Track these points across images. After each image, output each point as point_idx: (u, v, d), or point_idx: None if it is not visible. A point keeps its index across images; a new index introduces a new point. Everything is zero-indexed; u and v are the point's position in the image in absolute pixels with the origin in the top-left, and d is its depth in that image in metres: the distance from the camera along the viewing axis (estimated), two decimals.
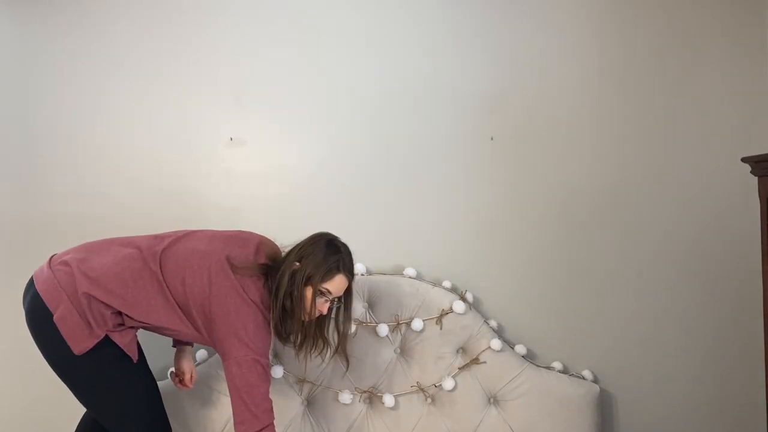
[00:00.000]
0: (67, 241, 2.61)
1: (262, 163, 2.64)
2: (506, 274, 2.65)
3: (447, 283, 2.60)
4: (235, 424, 2.05)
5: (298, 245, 2.17)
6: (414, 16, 2.65)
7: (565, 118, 2.65)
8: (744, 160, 2.28)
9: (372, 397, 2.54)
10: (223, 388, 2.49)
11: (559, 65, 2.65)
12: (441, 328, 2.55)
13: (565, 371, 2.62)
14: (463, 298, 2.57)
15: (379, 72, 2.64)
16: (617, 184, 2.65)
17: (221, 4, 2.63)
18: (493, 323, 2.62)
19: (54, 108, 2.63)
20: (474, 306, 2.60)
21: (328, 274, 2.13)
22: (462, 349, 2.57)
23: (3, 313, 2.63)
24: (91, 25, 2.63)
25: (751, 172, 2.26)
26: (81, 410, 2.61)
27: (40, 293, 2.05)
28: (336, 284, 2.14)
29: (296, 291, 2.11)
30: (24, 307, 2.13)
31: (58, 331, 2.02)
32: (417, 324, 2.53)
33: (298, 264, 2.13)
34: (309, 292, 2.12)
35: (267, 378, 2.08)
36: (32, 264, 2.61)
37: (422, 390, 2.54)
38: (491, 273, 2.65)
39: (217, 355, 2.53)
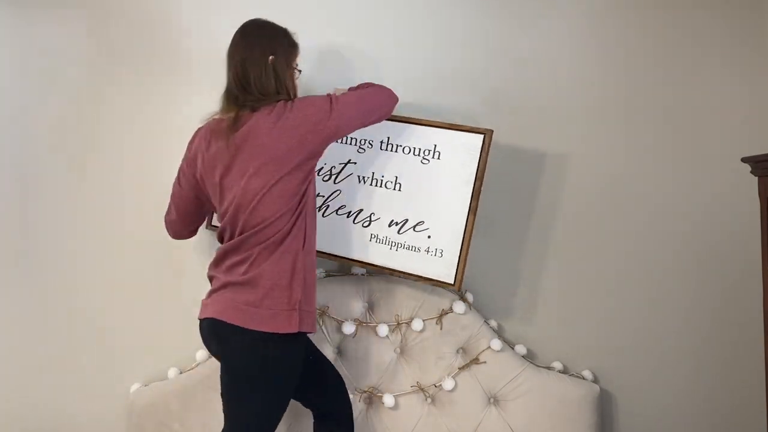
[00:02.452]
0: (67, 240, 2.62)
1: None
2: (506, 274, 2.65)
3: None
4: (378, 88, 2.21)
5: (245, 46, 2.08)
6: (413, 15, 2.65)
7: (565, 117, 2.65)
8: (744, 160, 2.28)
9: (372, 397, 2.54)
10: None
11: (559, 64, 2.65)
12: (441, 328, 2.55)
13: (565, 371, 2.62)
14: (463, 298, 2.57)
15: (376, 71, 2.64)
16: (617, 184, 2.65)
17: (223, 3, 2.64)
18: (493, 323, 2.62)
19: (54, 107, 2.63)
20: (474, 306, 2.60)
21: (295, 50, 2.16)
22: (462, 349, 2.57)
23: (3, 313, 2.63)
24: (91, 24, 2.63)
25: (751, 172, 2.26)
26: (81, 410, 2.61)
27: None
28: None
29: (288, 80, 2.11)
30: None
31: None
32: (417, 324, 2.53)
33: (272, 57, 2.07)
34: (291, 73, 2.14)
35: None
36: (32, 264, 2.62)
37: (422, 390, 2.54)
38: (491, 273, 2.65)
39: None
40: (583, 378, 2.60)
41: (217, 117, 2.11)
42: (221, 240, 2.14)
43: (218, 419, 2.47)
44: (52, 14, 2.62)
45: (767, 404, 2.28)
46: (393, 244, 2.39)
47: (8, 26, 2.62)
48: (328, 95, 2.13)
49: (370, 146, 2.42)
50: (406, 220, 2.39)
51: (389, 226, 2.40)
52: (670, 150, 2.65)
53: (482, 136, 2.34)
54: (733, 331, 2.65)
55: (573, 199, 2.65)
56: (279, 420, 2.10)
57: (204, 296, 2.15)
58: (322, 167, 2.46)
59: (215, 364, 2.51)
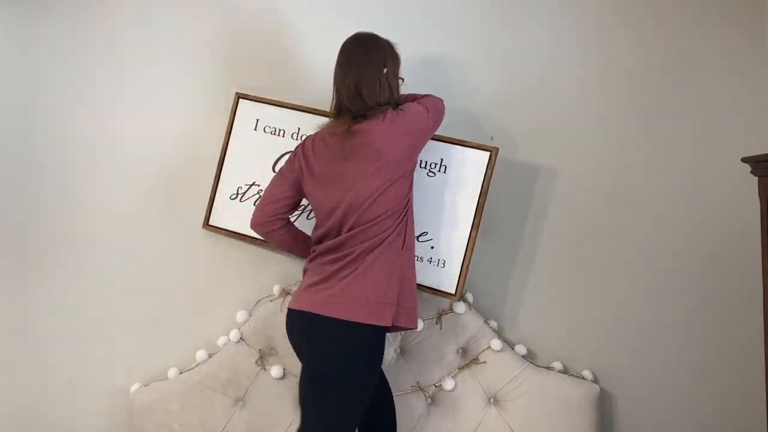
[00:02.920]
0: (67, 241, 2.62)
1: None
2: (506, 274, 2.65)
3: None
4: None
5: (361, 61, 2.18)
6: (413, 14, 2.65)
7: (565, 117, 2.65)
8: (744, 160, 2.28)
9: None
10: (221, 388, 2.50)
11: (559, 64, 2.65)
12: (441, 328, 2.55)
13: (565, 371, 2.62)
14: (463, 299, 2.57)
15: None
16: (617, 184, 2.65)
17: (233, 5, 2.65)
18: (493, 323, 2.62)
19: (54, 107, 2.63)
20: (474, 306, 2.60)
21: (399, 61, 2.27)
22: (462, 349, 2.57)
23: (3, 313, 2.63)
24: (92, 23, 2.63)
25: (751, 172, 2.25)
26: (81, 410, 2.62)
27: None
28: None
29: (396, 90, 2.23)
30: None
31: None
32: (418, 324, 2.53)
33: (386, 70, 2.20)
34: (398, 83, 2.26)
35: None
36: (32, 264, 2.62)
37: (422, 390, 2.54)
38: (491, 273, 2.65)
39: (215, 355, 2.54)
40: (583, 378, 2.60)
41: (329, 126, 2.21)
42: (321, 239, 2.19)
43: (218, 419, 2.48)
44: (52, 12, 2.62)
45: (767, 404, 2.28)
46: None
47: (8, 25, 2.62)
48: (417, 102, 2.24)
49: None
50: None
51: None
52: (670, 150, 2.65)
53: (489, 153, 2.40)
54: (733, 331, 2.65)
55: (573, 199, 2.65)
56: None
57: (296, 287, 2.23)
58: None
59: (215, 364, 2.51)
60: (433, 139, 2.36)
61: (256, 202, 2.52)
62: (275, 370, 2.50)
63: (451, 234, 2.41)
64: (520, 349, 2.60)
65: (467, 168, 2.42)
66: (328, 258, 2.14)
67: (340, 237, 2.14)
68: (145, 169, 2.64)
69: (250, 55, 2.65)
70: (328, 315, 2.06)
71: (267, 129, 2.59)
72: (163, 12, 2.66)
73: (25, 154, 2.63)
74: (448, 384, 2.52)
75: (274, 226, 2.29)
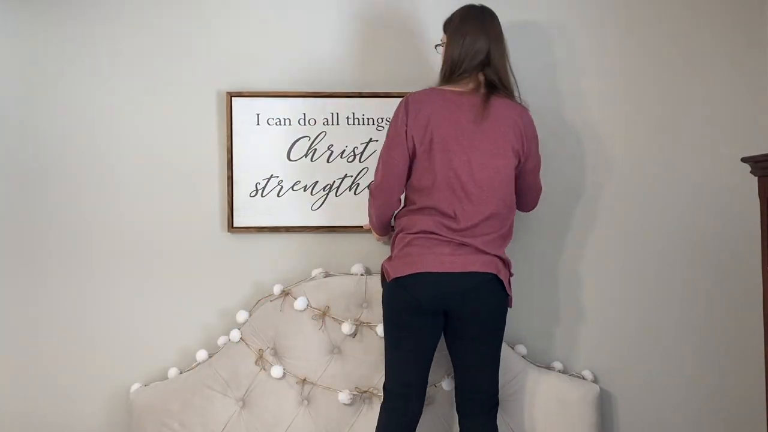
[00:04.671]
0: (67, 242, 2.62)
1: None
2: None
3: None
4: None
5: (496, 34, 2.28)
6: (413, 14, 2.65)
7: (565, 117, 2.65)
8: (744, 160, 2.28)
9: (372, 397, 2.54)
10: (221, 387, 2.50)
11: (559, 65, 2.65)
12: None
13: (565, 371, 2.62)
14: None
15: (374, 71, 2.64)
16: (617, 184, 2.65)
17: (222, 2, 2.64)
18: None
19: (54, 107, 2.63)
20: None
21: None
22: None
23: (3, 313, 2.62)
24: (92, 24, 2.63)
25: (751, 172, 2.26)
26: (81, 410, 2.61)
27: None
28: None
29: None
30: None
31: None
32: None
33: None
34: None
35: None
36: (32, 265, 2.62)
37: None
38: None
39: (215, 355, 2.54)
40: (583, 378, 2.60)
41: (454, 89, 2.25)
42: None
43: (218, 419, 2.47)
44: (54, 14, 2.62)
45: (767, 404, 2.28)
46: None
47: (9, 25, 2.62)
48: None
49: (388, 123, 2.50)
50: None
51: None
52: (670, 150, 2.65)
53: None
54: (733, 331, 2.65)
55: (572, 199, 2.65)
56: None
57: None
58: (344, 149, 2.61)
59: (215, 364, 2.51)
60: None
61: (279, 193, 2.59)
62: (275, 370, 2.50)
63: None
64: (520, 349, 2.60)
65: None
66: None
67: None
68: (147, 170, 2.63)
69: (234, 53, 2.65)
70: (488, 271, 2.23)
71: (271, 121, 2.60)
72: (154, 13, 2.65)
73: (26, 156, 2.62)
74: (448, 384, 2.52)
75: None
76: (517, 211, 2.35)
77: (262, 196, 2.61)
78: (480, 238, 2.21)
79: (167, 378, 2.57)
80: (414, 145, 2.22)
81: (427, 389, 2.51)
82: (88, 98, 2.62)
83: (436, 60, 2.62)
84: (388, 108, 2.53)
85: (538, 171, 2.39)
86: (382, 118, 2.60)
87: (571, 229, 2.66)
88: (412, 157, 2.24)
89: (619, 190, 2.65)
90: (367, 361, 2.53)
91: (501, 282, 2.24)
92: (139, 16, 2.63)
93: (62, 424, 2.62)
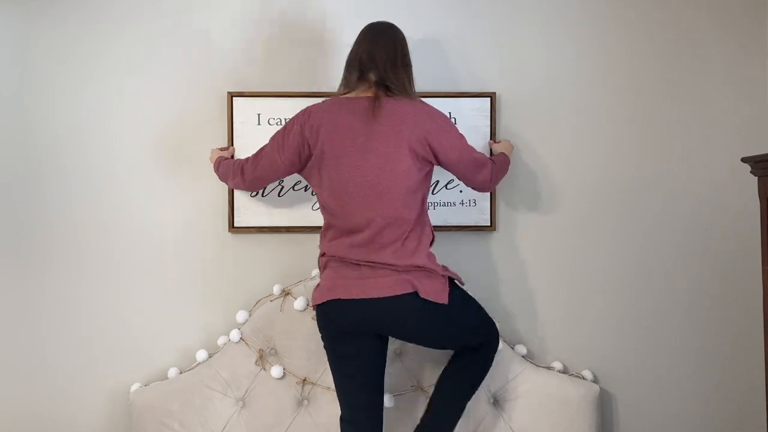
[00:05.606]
0: (68, 242, 2.62)
1: None
2: (506, 274, 2.66)
3: None
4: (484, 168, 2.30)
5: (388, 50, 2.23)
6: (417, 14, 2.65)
7: (565, 118, 2.65)
8: (744, 160, 2.28)
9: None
10: (221, 388, 2.49)
11: (560, 65, 2.65)
12: None
13: (565, 371, 2.62)
14: None
15: None
16: (617, 185, 2.65)
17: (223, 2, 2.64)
18: None
19: (53, 107, 2.63)
20: None
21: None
22: None
23: (3, 313, 2.62)
24: (92, 23, 2.63)
25: (751, 172, 2.26)
26: (81, 410, 2.62)
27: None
28: None
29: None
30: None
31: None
32: None
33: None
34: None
35: None
36: (32, 264, 2.62)
37: (422, 390, 2.54)
38: (491, 273, 2.65)
39: (215, 356, 2.54)
40: (583, 378, 2.60)
41: (348, 95, 2.22)
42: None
43: (218, 419, 2.47)
44: (53, 14, 2.62)
45: (767, 404, 2.28)
46: (430, 204, 2.57)
47: (8, 25, 2.62)
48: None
49: None
50: (437, 182, 2.61)
51: None
52: (670, 150, 2.65)
53: (489, 98, 2.62)
54: (733, 331, 2.65)
55: (573, 199, 2.65)
56: None
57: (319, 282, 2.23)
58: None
59: (215, 364, 2.51)
60: (435, 96, 2.57)
61: (279, 193, 2.62)
62: (275, 370, 2.50)
63: None
64: (520, 349, 2.60)
65: (474, 115, 2.62)
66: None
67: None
68: (147, 171, 2.63)
69: (235, 52, 2.65)
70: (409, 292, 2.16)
71: (272, 121, 2.61)
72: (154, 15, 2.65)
73: (26, 156, 2.62)
74: None
75: None
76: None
77: (262, 196, 2.61)
78: (389, 249, 2.12)
79: (167, 378, 2.57)
80: (303, 155, 2.21)
81: (428, 389, 2.53)
82: (87, 98, 2.62)
83: (435, 59, 2.63)
84: None
85: (470, 155, 2.27)
86: None
87: (571, 229, 2.66)
88: (300, 167, 2.25)
89: (619, 191, 2.66)
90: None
91: (423, 296, 2.11)
92: (140, 16, 2.62)
93: (62, 423, 2.62)
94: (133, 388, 2.55)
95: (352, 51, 2.25)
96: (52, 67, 2.62)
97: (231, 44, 2.63)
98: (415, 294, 2.11)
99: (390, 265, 2.11)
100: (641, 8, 2.65)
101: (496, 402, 2.54)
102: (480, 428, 2.52)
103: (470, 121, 2.62)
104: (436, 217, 2.61)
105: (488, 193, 2.61)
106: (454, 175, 2.31)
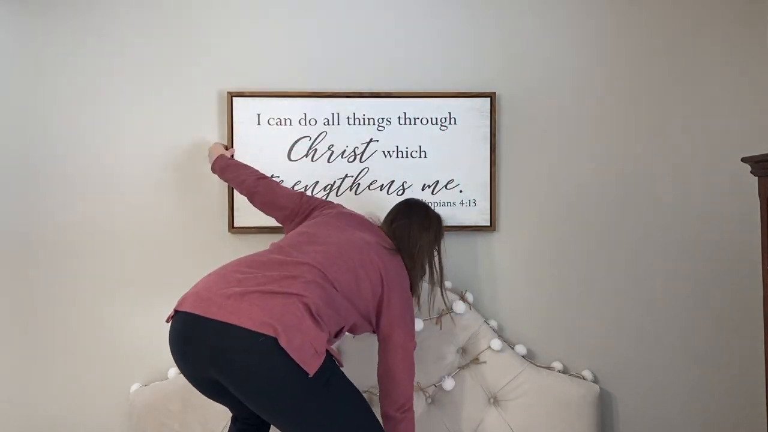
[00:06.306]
0: (68, 242, 2.62)
1: None
2: (506, 274, 2.66)
3: (447, 283, 2.60)
4: (405, 399, 2.13)
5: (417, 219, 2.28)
6: (415, 12, 2.65)
7: (565, 118, 2.65)
8: (744, 160, 2.28)
9: (372, 397, 2.54)
10: None
11: (560, 65, 2.65)
12: (441, 328, 2.55)
13: (565, 371, 2.62)
14: (463, 298, 2.57)
15: (375, 71, 2.64)
16: (618, 185, 2.66)
17: (223, 3, 2.64)
18: (493, 323, 2.62)
19: (53, 107, 2.63)
20: (474, 306, 2.60)
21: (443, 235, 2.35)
22: (462, 349, 2.57)
23: (3, 313, 2.62)
24: (92, 23, 2.63)
25: (751, 172, 2.26)
26: (81, 410, 2.62)
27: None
28: None
29: (436, 259, 2.29)
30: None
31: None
32: (417, 324, 2.53)
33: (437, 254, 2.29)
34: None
35: None
36: (31, 265, 2.62)
37: (422, 390, 2.54)
38: (491, 273, 2.65)
39: None
40: (583, 378, 2.60)
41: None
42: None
43: (218, 419, 2.47)
44: (55, 14, 2.62)
45: (767, 404, 2.28)
46: (430, 204, 2.54)
47: (9, 25, 2.62)
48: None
49: (389, 123, 2.64)
50: (438, 182, 2.63)
51: (422, 189, 2.64)
52: (671, 150, 2.65)
53: (489, 98, 2.62)
54: (733, 331, 2.65)
55: (573, 199, 2.66)
56: None
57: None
58: (345, 149, 2.63)
59: None
60: (435, 96, 2.61)
61: None
62: None
63: (474, 175, 2.64)
64: (520, 349, 2.60)
65: (473, 115, 2.62)
66: None
67: None
68: (148, 171, 2.63)
69: (235, 52, 2.64)
70: None
71: (272, 121, 2.61)
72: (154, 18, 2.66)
73: (26, 157, 2.62)
74: (448, 384, 2.52)
75: None
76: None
77: None
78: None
79: (167, 378, 2.57)
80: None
81: (428, 389, 2.53)
82: (87, 99, 2.62)
83: (435, 59, 2.63)
84: (388, 108, 2.61)
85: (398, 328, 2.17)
86: (382, 118, 2.62)
87: (571, 229, 2.66)
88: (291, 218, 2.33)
89: (619, 191, 2.66)
90: (367, 361, 2.52)
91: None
92: (140, 16, 2.62)
93: (62, 424, 2.62)
94: (133, 388, 2.55)
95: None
96: (52, 67, 2.62)
97: (231, 44, 2.63)
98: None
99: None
100: (641, 8, 2.65)
101: (496, 402, 2.55)
102: (480, 428, 2.52)
103: (470, 121, 2.62)
104: None
105: (488, 193, 2.62)
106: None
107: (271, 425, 2.06)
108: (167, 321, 1.99)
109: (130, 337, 2.62)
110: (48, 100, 2.62)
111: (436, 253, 2.30)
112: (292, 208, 2.34)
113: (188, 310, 1.89)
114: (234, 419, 2.16)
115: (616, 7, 2.65)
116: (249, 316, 1.80)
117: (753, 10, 2.65)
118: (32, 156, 2.62)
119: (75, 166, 2.62)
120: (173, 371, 2.56)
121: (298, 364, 1.77)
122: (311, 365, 1.79)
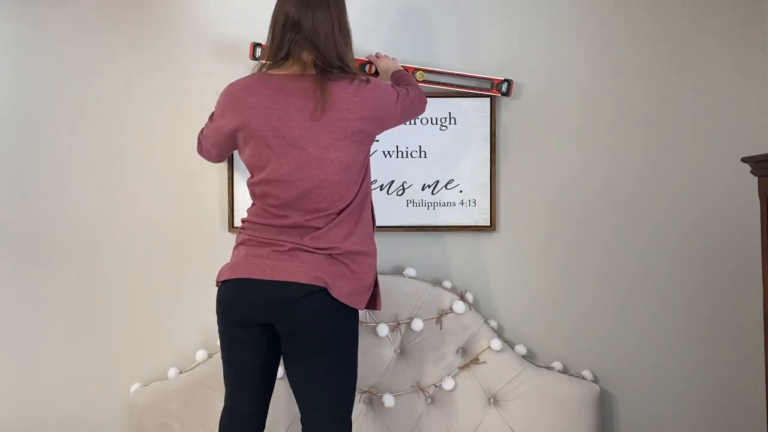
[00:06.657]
0: (68, 242, 2.62)
1: None
2: (506, 274, 2.66)
3: (447, 283, 2.60)
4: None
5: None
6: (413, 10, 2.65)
7: (565, 117, 2.65)
8: (744, 160, 2.28)
9: (372, 397, 2.54)
10: (221, 387, 2.49)
11: (560, 65, 2.65)
12: (441, 328, 2.55)
13: (565, 371, 2.62)
14: (463, 298, 2.57)
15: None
16: (617, 184, 2.65)
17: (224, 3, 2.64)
18: (493, 323, 2.62)
19: (53, 107, 2.63)
20: (474, 306, 2.60)
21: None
22: (462, 349, 2.57)
23: (3, 313, 2.62)
24: (92, 23, 2.63)
25: (751, 172, 2.26)
26: (81, 410, 2.62)
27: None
28: None
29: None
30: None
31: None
32: (417, 324, 2.53)
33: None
34: None
35: None
36: (31, 265, 2.62)
37: (422, 390, 2.54)
38: (491, 273, 2.65)
39: (215, 355, 2.53)
40: (583, 378, 2.60)
41: (277, 72, 2.03)
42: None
43: (218, 419, 2.47)
44: (56, 14, 2.62)
45: (767, 404, 2.28)
46: (429, 204, 2.63)
47: (10, 25, 2.62)
48: (394, 88, 2.16)
49: None
50: (437, 182, 2.63)
51: (422, 189, 2.64)
52: (671, 150, 2.65)
53: (489, 98, 2.62)
54: (733, 331, 2.65)
55: (573, 199, 2.65)
56: None
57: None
58: None
59: (215, 364, 2.51)
60: (435, 96, 2.56)
61: None
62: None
63: (475, 175, 2.63)
64: (520, 349, 2.60)
65: (473, 115, 2.63)
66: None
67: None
68: (148, 171, 2.63)
69: (235, 52, 2.63)
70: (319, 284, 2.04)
71: None
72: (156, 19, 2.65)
73: (25, 156, 2.62)
74: (448, 384, 2.52)
75: None
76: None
77: None
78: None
79: (167, 378, 2.56)
80: (232, 140, 2.10)
81: (428, 389, 2.53)
82: (87, 99, 2.62)
83: (436, 56, 2.63)
84: None
85: (407, 110, 2.18)
86: None
87: (572, 229, 2.66)
88: (232, 149, 2.20)
89: (618, 190, 2.65)
90: (367, 361, 2.53)
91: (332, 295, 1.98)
92: (140, 16, 2.62)
93: (62, 423, 2.62)
94: (133, 388, 2.55)
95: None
96: (54, 66, 2.62)
97: (231, 44, 2.62)
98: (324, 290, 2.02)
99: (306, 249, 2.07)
100: (641, 9, 2.65)
101: (496, 402, 2.54)
102: (480, 428, 2.52)
103: (470, 121, 2.61)
104: (437, 217, 2.61)
105: (488, 193, 2.62)
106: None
107: (264, 422, 2.19)
108: (217, 285, 2.09)
109: (130, 337, 2.62)
110: (48, 98, 2.62)
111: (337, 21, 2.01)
112: None
113: (243, 276, 2.01)
114: (227, 411, 2.17)
115: (615, 7, 2.65)
116: (302, 272, 1.97)
117: (752, 10, 2.65)
118: (33, 154, 2.62)
119: (73, 165, 2.62)
120: (173, 371, 2.56)
121: (347, 305, 2.00)
122: (359, 302, 2.05)
